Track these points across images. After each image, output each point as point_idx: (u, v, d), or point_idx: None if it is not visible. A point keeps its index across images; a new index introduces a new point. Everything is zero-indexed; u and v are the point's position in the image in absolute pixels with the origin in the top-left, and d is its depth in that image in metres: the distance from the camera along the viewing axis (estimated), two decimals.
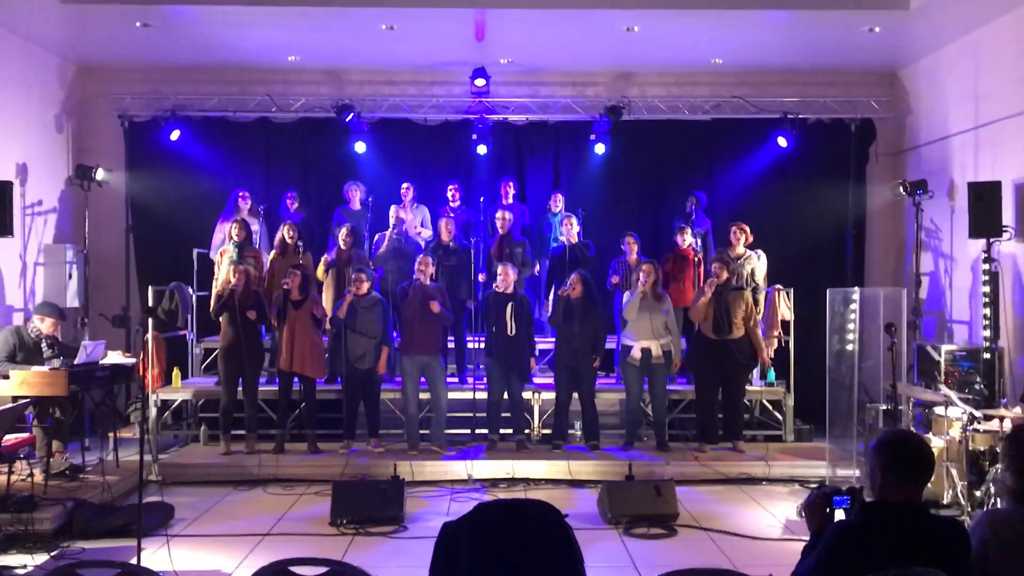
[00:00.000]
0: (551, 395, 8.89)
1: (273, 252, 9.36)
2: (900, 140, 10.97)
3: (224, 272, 8.71)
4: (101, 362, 7.50)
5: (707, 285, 8.21)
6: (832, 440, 7.86)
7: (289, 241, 9.18)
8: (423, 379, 8.32)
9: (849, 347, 7.91)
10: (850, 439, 7.79)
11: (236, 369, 8.20)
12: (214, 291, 8.75)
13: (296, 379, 8.35)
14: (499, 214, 9.40)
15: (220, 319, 8.30)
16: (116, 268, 10.75)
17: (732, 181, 10.92)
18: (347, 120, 10.25)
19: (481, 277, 9.19)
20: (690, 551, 6.05)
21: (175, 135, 10.40)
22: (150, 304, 5.87)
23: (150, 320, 8.77)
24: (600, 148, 10.61)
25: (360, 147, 10.51)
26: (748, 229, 9.14)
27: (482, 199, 9.94)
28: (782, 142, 10.53)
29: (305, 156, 10.97)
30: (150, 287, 9.28)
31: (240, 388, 8.32)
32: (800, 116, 10.53)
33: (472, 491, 7.59)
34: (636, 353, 8.25)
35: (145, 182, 10.74)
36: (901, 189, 9.81)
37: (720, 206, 10.82)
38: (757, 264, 9.14)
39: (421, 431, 8.52)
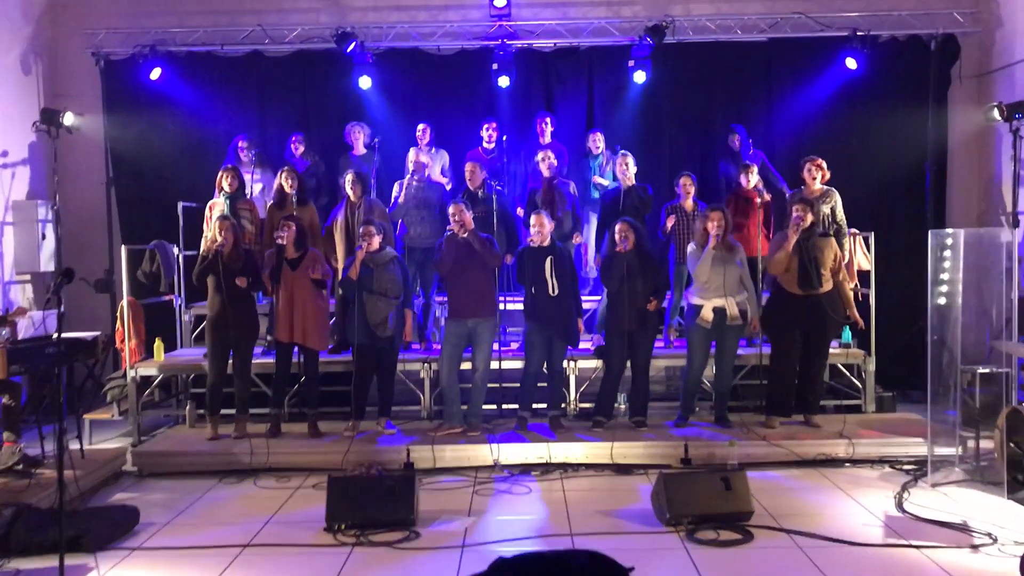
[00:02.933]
0: (588, 363, 7.67)
1: (269, 204, 8.12)
2: (988, 58, 9.45)
3: (212, 229, 7.47)
4: (54, 336, 6.31)
5: (791, 230, 6.85)
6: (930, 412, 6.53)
7: (288, 190, 7.89)
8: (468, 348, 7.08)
9: (941, 300, 6.57)
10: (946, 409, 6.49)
11: (224, 343, 6.96)
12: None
13: (296, 351, 7.14)
14: (542, 155, 8.03)
15: (208, 284, 7.09)
16: (97, 226, 9.64)
17: (793, 111, 9.52)
18: (348, 50, 8.96)
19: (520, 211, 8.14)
20: (773, 563, 4.79)
21: (155, 74, 9.18)
22: (69, 268, 4.64)
23: (126, 288, 7.67)
24: (640, 76, 9.22)
25: (364, 82, 9.20)
26: (825, 165, 7.77)
27: (505, 138, 8.61)
28: (851, 64, 9.10)
29: (304, 94, 9.68)
30: (123, 247, 8.06)
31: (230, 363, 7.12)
32: (871, 33, 9.09)
33: (499, 480, 6.38)
34: (708, 314, 6.93)
35: (125, 128, 9.60)
36: (996, 113, 8.36)
37: (779, 139, 9.47)
38: (838, 202, 7.78)
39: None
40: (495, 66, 9.13)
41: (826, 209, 7.72)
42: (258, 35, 9.41)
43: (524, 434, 6.99)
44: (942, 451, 6.38)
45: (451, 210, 6.98)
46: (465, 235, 6.91)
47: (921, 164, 9.42)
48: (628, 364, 7.15)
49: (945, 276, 6.57)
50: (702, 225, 7.01)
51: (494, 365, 7.37)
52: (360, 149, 8.84)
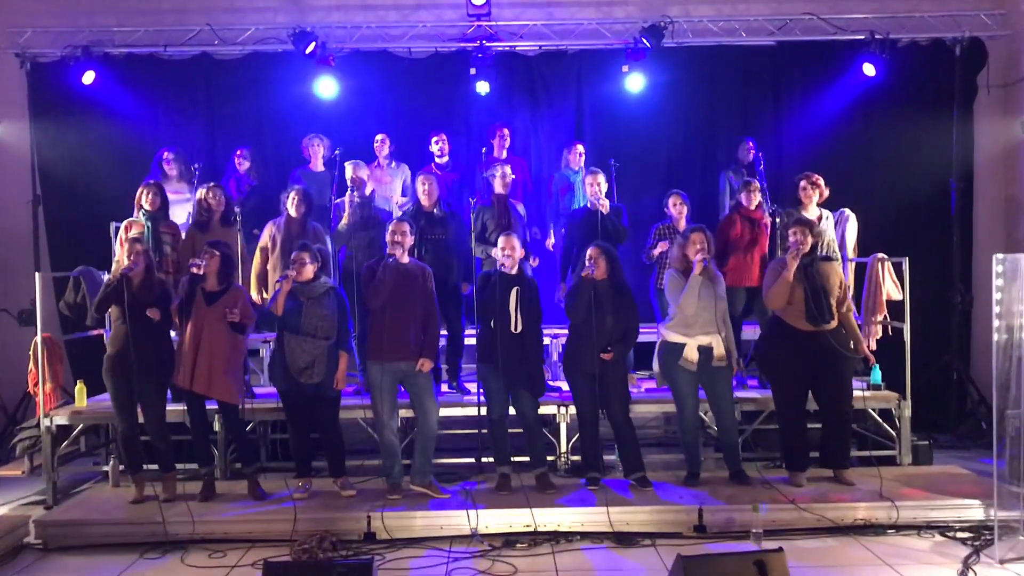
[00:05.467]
0: None
1: (191, 224, 7.03)
2: (1018, 65, 8.59)
3: (122, 252, 6.42)
4: None
5: (789, 256, 5.88)
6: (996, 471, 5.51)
7: (214, 208, 6.85)
8: (403, 393, 6.01)
9: (995, 336, 5.60)
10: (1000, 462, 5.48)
11: (128, 386, 5.84)
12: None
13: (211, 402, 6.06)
14: (497, 170, 7.02)
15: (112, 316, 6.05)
16: (23, 249, 8.56)
17: (803, 122, 8.63)
18: (308, 52, 7.96)
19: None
20: None
21: (89, 77, 8.14)
22: None
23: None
24: (634, 83, 8.29)
25: (326, 88, 8.20)
26: (823, 183, 6.85)
27: (484, 150, 7.63)
28: (868, 70, 8.25)
29: (257, 101, 8.66)
30: (38, 274, 6.94)
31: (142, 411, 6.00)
32: (890, 36, 8.23)
33: (478, 554, 5.30)
34: (692, 354, 5.93)
35: (55, 139, 8.60)
36: None
37: (789, 154, 8.54)
38: (848, 227, 6.86)
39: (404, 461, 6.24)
40: (473, 70, 8.17)
41: (827, 236, 6.83)
42: (207, 36, 8.43)
43: (506, 497, 5.90)
44: (1006, 514, 5.36)
45: (392, 228, 5.93)
46: (407, 259, 5.91)
47: (944, 181, 8.56)
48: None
49: (997, 309, 5.63)
50: (680, 251, 6.05)
51: (471, 412, 6.35)
52: (318, 165, 7.81)
